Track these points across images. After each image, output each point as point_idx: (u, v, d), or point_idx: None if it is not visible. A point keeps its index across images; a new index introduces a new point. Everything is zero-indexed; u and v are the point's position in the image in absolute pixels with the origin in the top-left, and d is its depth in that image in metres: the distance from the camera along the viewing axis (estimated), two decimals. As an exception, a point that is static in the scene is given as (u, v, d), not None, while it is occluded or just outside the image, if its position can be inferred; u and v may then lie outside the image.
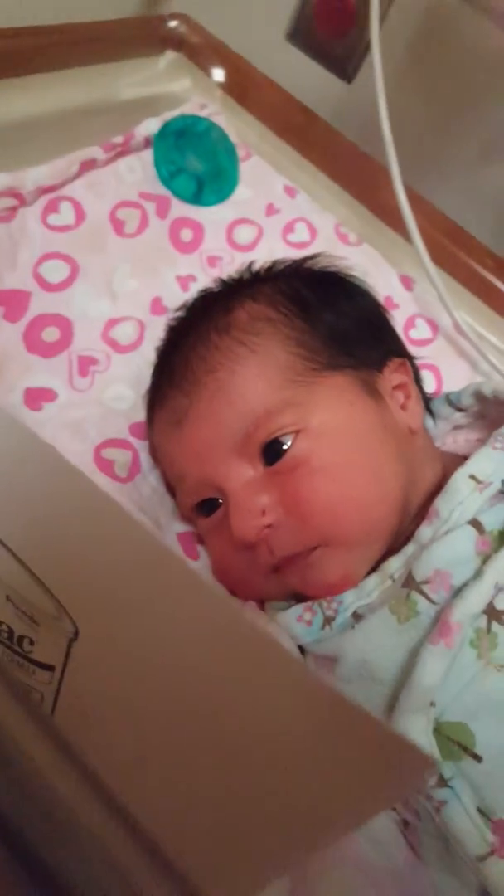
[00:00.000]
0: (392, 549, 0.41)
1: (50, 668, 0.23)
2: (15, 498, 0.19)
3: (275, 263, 0.51)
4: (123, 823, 0.15)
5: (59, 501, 0.18)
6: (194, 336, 0.45)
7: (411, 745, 0.14)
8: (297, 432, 0.40)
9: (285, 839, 0.18)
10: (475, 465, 0.40)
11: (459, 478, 0.40)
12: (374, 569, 0.41)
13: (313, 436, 0.40)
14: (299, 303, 0.45)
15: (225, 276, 0.52)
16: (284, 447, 0.40)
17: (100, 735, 0.20)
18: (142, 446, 0.50)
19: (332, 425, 0.41)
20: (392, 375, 0.46)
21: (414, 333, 0.64)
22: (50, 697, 0.24)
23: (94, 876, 0.14)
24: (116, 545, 0.18)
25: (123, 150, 0.64)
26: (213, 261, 0.63)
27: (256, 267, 0.51)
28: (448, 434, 0.52)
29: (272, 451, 0.41)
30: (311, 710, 0.17)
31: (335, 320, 0.45)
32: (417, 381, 0.50)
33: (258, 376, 0.42)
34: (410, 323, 0.65)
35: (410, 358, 0.51)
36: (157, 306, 0.58)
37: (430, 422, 0.52)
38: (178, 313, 0.51)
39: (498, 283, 0.65)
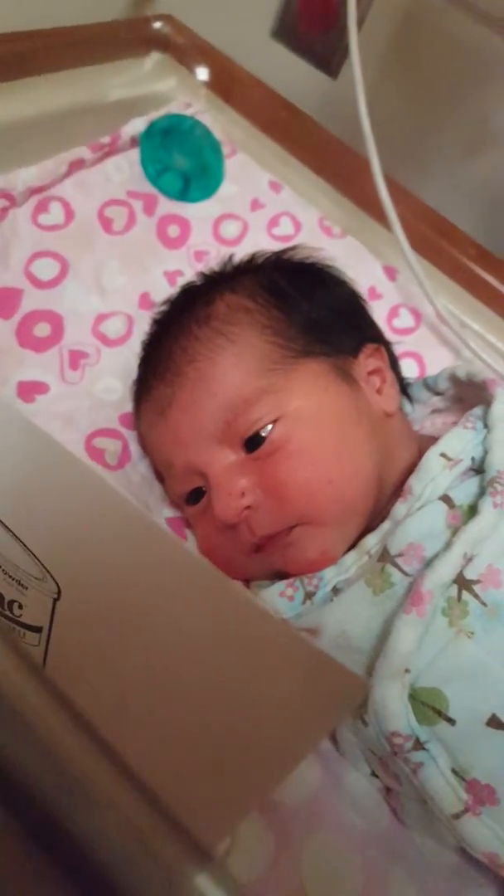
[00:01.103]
0: (370, 528, 0.42)
1: (38, 629, 0.25)
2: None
3: (254, 256, 0.53)
4: (116, 766, 0.16)
5: (39, 470, 0.20)
6: (176, 328, 0.47)
7: (348, 671, 0.16)
8: (274, 420, 0.42)
9: (254, 771, 0.20)
10: (446, 443, 0.42)
11: (431, 456, 0.41)
12: (352, 546, 0.42)
13: (290, 421, 0.42)
14: (276, 293, 0.47)
15: (207, 270, 0.53)
16: (263, 434, 0.42)
17: (84, 686, 0.22)
18: (131, 436, 0.52)
19: (307, 410, 0.43)
20: (367, 361, 0.48)
21: (397, 322, 0.66)
22: (39, 658, 0.25)
23: (91, 812, 0.16)
24: (92, 508, 0.20)
25: (111, 150, 0.66)
26: (199, 255, 0.65)
27: (237, 260, 0.53)
28: (427, 418, 0.54)
29: (253, 442, 0.43)
30: (271, 648, 0.18)
31: (311, 309, 0.47)
32: (394, 366, 0.52)
33: (236, 365, 0.43)
34: (394, 312, 0.66)
35: (387, 344, 0.52)
36: (145, 301, 0.60)
37: (409, 406, 0.54)
38: (162, 307, 0.52)
39: (480, 273, 0.67)
